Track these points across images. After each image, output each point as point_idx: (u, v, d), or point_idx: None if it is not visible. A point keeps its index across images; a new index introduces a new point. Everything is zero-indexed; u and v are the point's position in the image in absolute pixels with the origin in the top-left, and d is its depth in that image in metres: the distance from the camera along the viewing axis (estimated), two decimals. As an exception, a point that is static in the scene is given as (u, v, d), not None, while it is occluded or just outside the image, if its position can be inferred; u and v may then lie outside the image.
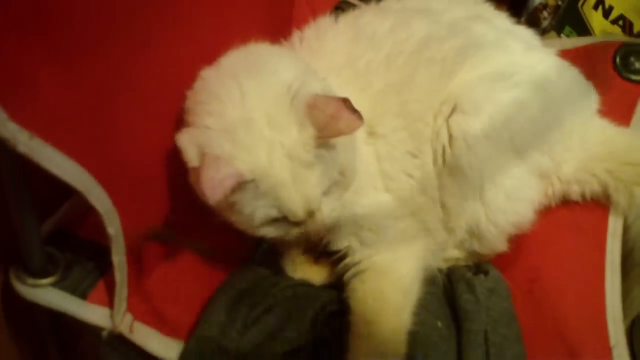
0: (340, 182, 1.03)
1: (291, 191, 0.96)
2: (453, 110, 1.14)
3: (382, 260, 1.14)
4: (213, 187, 0.89)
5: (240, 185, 0.93)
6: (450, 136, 1.13)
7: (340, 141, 0.98)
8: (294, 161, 0.95)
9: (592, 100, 1.30)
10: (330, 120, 0.93)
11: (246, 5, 1.30)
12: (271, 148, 0.94)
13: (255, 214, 0.98)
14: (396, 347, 1.07)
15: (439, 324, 1.11)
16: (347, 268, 1.16)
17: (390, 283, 1.12)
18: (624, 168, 1.23)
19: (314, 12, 1.33)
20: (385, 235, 1.16)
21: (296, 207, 0.98)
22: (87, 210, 0.93)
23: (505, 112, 1.13)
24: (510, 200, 1.16)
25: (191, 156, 0.95)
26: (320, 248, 1.19)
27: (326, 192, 1.01)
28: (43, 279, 1.01)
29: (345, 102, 0.94)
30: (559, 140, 1.21)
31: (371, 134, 1.15)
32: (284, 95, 0.97)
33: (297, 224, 1.01)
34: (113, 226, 0.95)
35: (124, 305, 1.02)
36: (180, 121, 1.03)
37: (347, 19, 1.27)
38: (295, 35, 1.27)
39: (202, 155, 0.93)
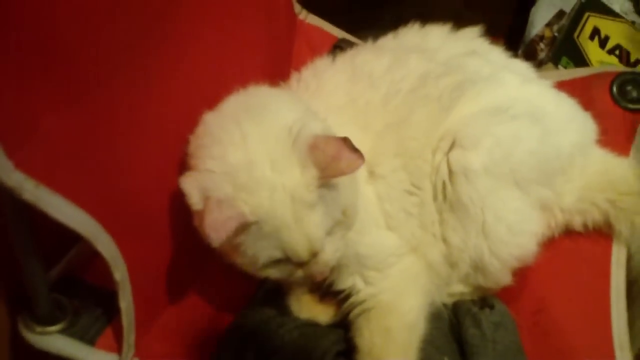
0: (342, 222, 1.03)
1: (294, 232, 0.96)
2: (452, 145, 1.14)
3: (386, 298, 1.14)
4: (216, 229, 0.90)
5: (243, 227, 0.94)
6: (450, 171, 1.14)
7: (341, 181, 0.99)
8: (296, 202, 0.95)
9: (590, 130, 1.30)
10: (332, 161, 0.93)
11: (246, 45, 1.32)
12: (273, 190, 0.95)
13: (258, 255, 0.98)
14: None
15: (446, 359, 1.11)
16: (352, 307, 1.16)
17: (396, 320, 1.13)
18: (625, 197, 1.24)
19: (313, 52, 1.34)
20: (389, 273, 1.16)
21: (299, 248, 0.98)
22: (94, 256, 0.94)
23: (504, 145, 1.14)
24: (512, 233, 1.16)
25: (195, 200, 0.96)
26: (324, 287, 1.19)
27: (329, 232, 1.01)
28: (51, 327, 1.02)
29: (346, 141, 0.94)
30: (560, 172, 1.22)
31: (371, 174, 1.16)
32: (286, 137, 0.97)
33: (300, 264, 1.02)
34: (119, 271, 0.95)
35: (131, 350, 1.03)
36: (183, 164, 1.04)
37: (344, 58, 1.28)
38: (294, 76, 1.28)
39: (206, 198, 0.94)
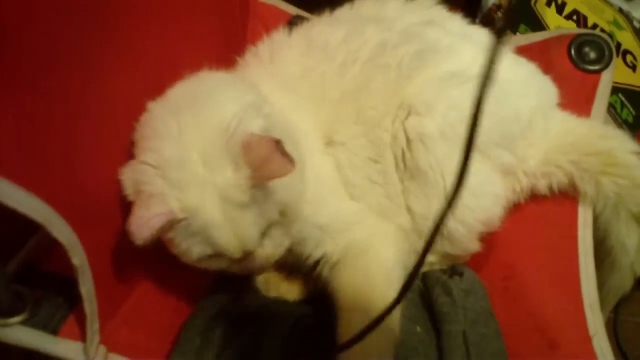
0: (280, 221, 1.03)
1: (224, 231, 0.96)
2: (408, 113, 1.14)
3: (361, 245, 1.13)
4: (140, 225, 0.91)
5: (172, 223, 0.94)
6: (408, 139, 1.14)
7: (279, 181, 0.97)
8: (227, 201, 0.95)
9: (551, 93, 1.30)
10: (263, 164, 0.92)
11: (199, 28, 1.30)
12: (204, 187, 0.94)
13: (191, 250, 0.99)
14: (390, 323, 1.06)
15: (418, 328, 1.11)
16: (323, 268, 1.15)
17: (373, 259, 1.12)
18: (588, 158, 1.24)
19: (268, 31, 1.32)
20: (358, 228, 1.15)
21: (230, 247, 0.98)
22: (54, 245, 0.91)
23: (458, 108, 1.12)
24: (475, 197, 1.16)
25: (129, 191, 0.97)
26: (289, 265, 1.19)
27: (267, 231, 1.01)
28: (12, 318, 0.99)
29: (278, 144, 0.92)
30: (521, 135, 1.21)
31: (330, 143, 1.15)
32: (221, 134, 0.96)
33: (237, 260, 1.01)
34: (78, 257, 0.93)
35: (96, 337, 1.00)
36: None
37: (300, 32, 1.28)
38: (249, 51, 1.27)
39: (138, 192, 0.95)
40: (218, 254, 0.99)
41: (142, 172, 0.97)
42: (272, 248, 1.04)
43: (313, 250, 1.14)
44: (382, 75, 1.16)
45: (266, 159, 0.92)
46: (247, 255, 1.01)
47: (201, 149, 0.96)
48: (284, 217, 1.03)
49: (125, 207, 1.03)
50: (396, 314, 1.07)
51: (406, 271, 1.15)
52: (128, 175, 0.97)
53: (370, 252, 1.12)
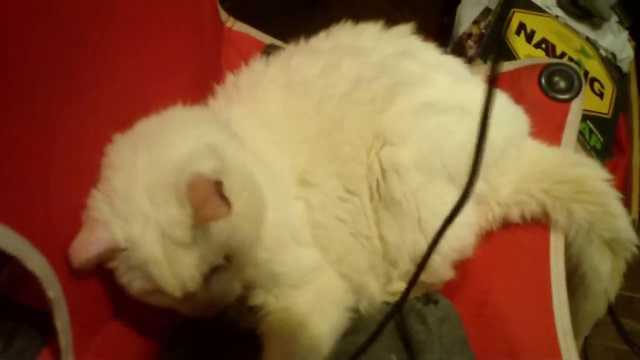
0: (226, 266, 1.02)
1: (163, 268, 0.96)
2: (383, 144, 1.15)
3: (298, 314, 1.13)
4: (79, 248, 0.93)
5: (112, 252, 0.95)
6: (382, 169, 1.14)
7: (224, 225, 0.96)
8: (168, 239, 0.94)
9: (522, 123, 1.32)
10: (201, 204, 0.92)
11: (173, 56, 1.31)
12: (147, 222, 0.95)
13: (132, 283, 0.99)
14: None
15: (393, 357, 1.10)
16: (262, 319, 1.13)
17: (307, 330, 1.11)
18: (559, 186, 1.25)
19: (243, 59, 1.33)
20: (305, 289, 1.15)
21: (169, 286, 0.97)
22: (26, 276, 0.90)
23: (432, 138, 1.14)
24: (450, 227, 1.15)
25: (83, 217, 0.98)
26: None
27: (212, 275, 1.00)
28: (-16, 351, 0.98)
29: (217, 186, 0.92)
30: (493, 164, 1.22)
31: (303, 183, 1.16)
32: (171, 172, 0.96)
33: (180, 299, 1.00)
34: (53, 290, 0.92)
35: (72, 369, 0.99)
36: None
37: (279, 61, 1.28)
38: (228, 81, 1.27)
39: (86, 217, 0.97)
40: (159, 291, 0.99)
41: (93, 198, 0.98)
42: (219, 292, 1.03)
43: (258, 296, 1.14)
44: (357, 110, 1.17)
45: (204, 200, 0.91)
46: (189, 296, 1.00)
47: (148, 184, 0.96)
48: (231, 262, 1.02)
49: None
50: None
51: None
52: (88, 202, 0.99)
53: (308, 322, 1.12)
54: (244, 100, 1.23)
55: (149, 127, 1.07)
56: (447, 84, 1.24)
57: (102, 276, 1.06)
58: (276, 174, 1.14)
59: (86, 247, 0.93)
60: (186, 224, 0.93)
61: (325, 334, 1.11)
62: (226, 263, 1.01)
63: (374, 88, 1.18)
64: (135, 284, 0.98)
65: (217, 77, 1.33)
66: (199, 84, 1.34)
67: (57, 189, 0.97)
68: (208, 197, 0.91)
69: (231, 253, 1.00)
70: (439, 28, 2.01)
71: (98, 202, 0.97)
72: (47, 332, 1.00)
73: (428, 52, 1.32)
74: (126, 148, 1.02)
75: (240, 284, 1.08)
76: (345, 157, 1.15)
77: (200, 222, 0.93)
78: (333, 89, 1.18)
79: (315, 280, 1.15)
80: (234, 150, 1.06)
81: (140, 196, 0.95)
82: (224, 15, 1.66)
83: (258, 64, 1.29)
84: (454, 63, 1.34)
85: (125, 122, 1.09)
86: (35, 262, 0.88)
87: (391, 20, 1.33)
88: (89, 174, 1.04)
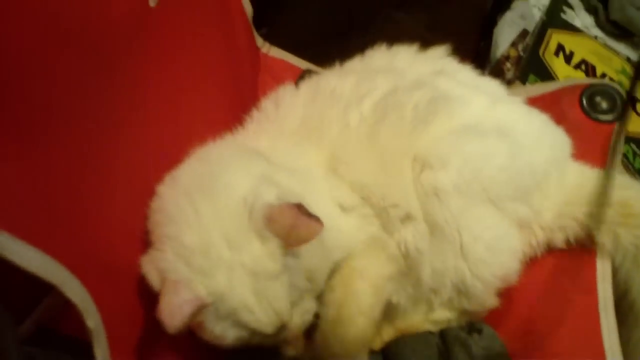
0: (308, 289, 1.02)
1: (256, 310, 0.95)
2: (422, 167, 1.13)
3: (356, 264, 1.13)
4: (171, 313, 0.90)
5: (200, 309, 0.93)
6: (424, 194, 1.12)
7: (305, 247, 0.97)
8: (258, 277, 0.94)
9: (564, 144, 1.29)
10: (291, 230, 0.92)
11: (210, 83, 1.31)
12: (231, 269, 0.94)
13: (224, 335, 0.97)
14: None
15: (436, 386, 1.08)
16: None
17: (363, 283, 1.11)
18: (605, 210, 1.21)
19: (279, 84, 1.33)
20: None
21: (263, 324, 0.97)
22: (67, 306, 0.90)
23: (473, 162, 1.13)
24: (492, 252, 1.14)
25: (154, 281, 0.96)
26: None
27: (296, 302, 1.00)
28: (24, 383, 0.97)
29: (300, 208, 0.93)
30: (536, 188, 1.20)
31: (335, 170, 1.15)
32: (240, 213, 0.96)
33: (271, 335, 1.00)
34: (92, 319, 0.91)
35: (112, 403, 0.98)
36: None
37: (308, 83, 1.28)
38: (259, 107, 1.28)
39: (162, 280, 0.94)
40: (252, 334, 0.98)
41: (164, 260, 0.96)
42: (300, 316, 1.03)
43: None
44: (397, 113, 1.15)
45: (293, 226, 0.92)
46: (281, 329, 1.00)
47: (222, 232, 0.95)
48: (311, 282, 1.02)
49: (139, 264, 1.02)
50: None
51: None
52: (150, 266, 0.97)
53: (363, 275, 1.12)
54: (272, 125, 1.23)
55: (194, 174, 1.07)
56: (485, 105, 1.23)
57: (141, 306, 1.06)
58: (311, 179, 1.14)
59: (177, 311, 0.90)
60: (277, 255, 0.94)
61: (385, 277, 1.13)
62: (309, 285, 1.01)
63: (414, 98, 1.17)
64: (227, 334, 0.97)
65: (253, 103, 1.32)
66: (235, 110, 1.34)
67: (95, 217, 0.96)
68: (296, 220, 0.92)
69: (310, 274, 1.01)
70: (475, 52, 1.99)
71: (172, 263, 0.95)
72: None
73: (465, 73, 1.31)
74: (182, 201, 1.00)
75: (315, 303, 1.07)
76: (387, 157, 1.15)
77: (295, 246, 0.95)
78: (365, 98, 1.18)
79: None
80: (280, 176, 1.06)
81: (218, 246, 0.95)
82: (259, 41, 1.66)
83: (287, 88, 1.29)
84: (491, 84, 1.32)
85: (164, 149, 1.10)
86: (74, 290, 0.88)
87: (427, 44, 1.32)
88: (127, 201, 1.03)
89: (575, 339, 1.17)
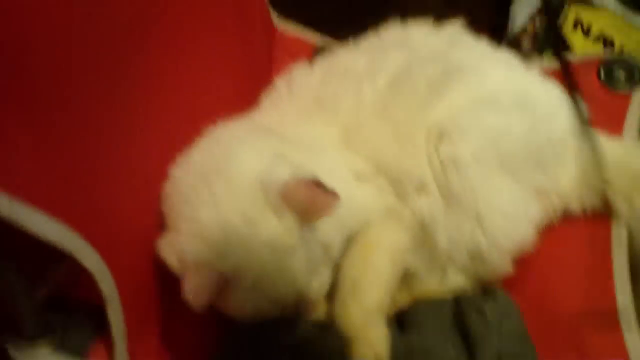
0: (325, 260, 1.03)
1: (277, 282, 0.96)
2: (440, 138, 1.13)
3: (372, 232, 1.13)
4: (196, 293, 0.91)
5: (223, 285, 0.94)
6: (441, 164, 1.13)
7: (321, 220, 0.98)
8: (277, 252, 0.95)
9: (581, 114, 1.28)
10: (308, 206, 0.93)
11: (225, 61, 1.31)
12: (250, 245, 0.94)
13: (246, 307, 0.99)
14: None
15: (451, 350, 1.08)
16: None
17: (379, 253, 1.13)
18: (622, 177, 1.22)
19: (295, 61, 1.33)
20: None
21: (284, 296, 0.98)
22: (82, 271, 0.91)
23: (492, 135, 1.13)
24: (508, 221, 1.14)
25: (173, 264, 0.96)
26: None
27: (313, 273, 1.01)
28: (41, 345, 0.98)
29: (316, 183, 0.94)
30: (553, 157, 1.20)
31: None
32: (256, 190, 0.97)
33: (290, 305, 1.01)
34: (106, 284, 0.93)
35: (125, 363, 1.00)
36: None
37: (321, 61, 1.29)
38: (274, 85, 1.29)
39: (182, 262, 0.95)
40: (272, 305, 0.99)
41: (182, 242, 0.97)
42: (318, 286, 1.04)
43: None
44: (412, 87, 1.16)
45: (309, 201, 0.93)
46: (299, 299, 1.01)
47: (239, 209, 0.96)
48: (328, 253, 1.03)
49: (154, 233, 1.03)
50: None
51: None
52: (168, 249, 0.98)
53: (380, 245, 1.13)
54: (285, 104, 1.24)
55: (208, 154, 1.07)
56: (502, 76, 1.23)
57: (155, 274, 1.07)
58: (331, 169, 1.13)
59: (202, 290, 0.92)
60: (294, 230, 0.95)
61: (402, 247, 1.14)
62: (324, 256, 1.02)
63: (428, 71, 1.17)
64: (248, 306, 0.99)
65: (268, 81, 1.33)
66: (250, 87, 1.34)
67: (109, 184, 0.97)
68: (312, 195, 0.93)
69: (329, 242, 1.02)
70: (492, 27, 1.98)
71: (190, 244, 0.96)
72: (101, 326, 1.00)
73: (481, 46, 1.31)
74: (196, 182, 1.01)
75: (330, 271, 1.08)
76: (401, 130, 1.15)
77: (312, 221, 0.96)
78: (378, 72, 1.18)
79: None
80: (294, 152, 1.07)
81: (235, 224, 0.95)
82: (274, 17, 1.66)
83: (301, 67, 1.30)
84: (508, 56, 1.32)
85: (180, 121, 1.11)
86: (88, 256, 0.89)
87: (444, 18, 1.32)
88: (142, 170, 1.04)
89: (590, 304, 1.17)
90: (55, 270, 1.05)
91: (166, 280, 1.01)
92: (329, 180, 0.98)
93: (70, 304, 1.03)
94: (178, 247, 0.96)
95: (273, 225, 0.95)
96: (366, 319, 1.07)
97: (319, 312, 1.16)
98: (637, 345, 1.09)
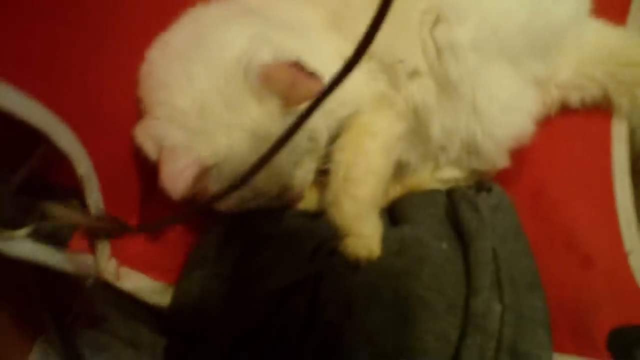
0: (310, 149, 1.00)
1: (261, 172, 0.91)
2: (436, 21, 1.07)
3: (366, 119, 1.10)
4: (174, 180, 0.88)
5: (203, 172, 0.91)
6: (437, 48, 1.07)
7: (305, 106, 0.92)
8: (258, 138, 0.92)
9: (583, 1, 1.22)
10: (289, 89, 0.90)
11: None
12: (230, 130, 0.92)
13: (228, 197, 0.94)
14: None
15: (444, 245, 1.05)
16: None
17: (373, 141, 1.09)
18: (624, 69, 1.17)
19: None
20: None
21: (267, 186, 0.96)
22: (61, 157, 0.88)
23: (492, 18, 1.07)
24: (506, 111, 1.11)
25: (150, 150, 0.93)
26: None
27: (297, 162, 0.99)
28: (17, 230, 0.94)
29: (298, 65, 0.90)
30: (553, 45, 1.15)
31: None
32: (235, 73, 0.93)
33: (275, 196, 0.99)
34: (83, 166, 0.90)
35: (107, 249, 0.96)
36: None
37: None
38: None
39: (159, 147, 0.92)
40: (255, 195, 0.97)
41: (158, 128, 0.94)
42: (302, 177, 1.02)
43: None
44: None
45: (291, 84, 0.89)
46: (284, 190, 0.99)
47: (218, 93, 0.93)
48: (313, 142, 1.01)
49: (133, 119, 1.00)
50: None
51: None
52: (145, 136, 0.95)
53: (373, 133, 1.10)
54: None
55: (185, 36, 1.02)
56: None
57: (137, 161, 1.03)
58: (320, 51, 1.08)
59: (179, 177, 0.89)
60: (276, 115, 0.92)
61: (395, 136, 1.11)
62: (311, 145, 1.00)
63: None
64: (231, 196, 0.94)
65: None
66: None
67: (87, 67, 0.93)
68: (295, 78, 0.90)
69: (315, 130, 1.00)
70: None
71: (168, 130, 0.93)
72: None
73: None
74: (173, 65, 0.97)
75: (316, 162, 1.06)
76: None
77: (295, 105, 0.91)
78: None
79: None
80: (277, 33, 1.02)
81: (214, 108, 0.92)
82: None
83: None
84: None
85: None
86: (65, 138, 0.86)
87: None
88: (120, 53, 1.00)
89: (586, 199, 1.15)
90: (35, 154, 1.02)
91: (147, 169, 0.98)
92: (314, 63, 0.94)
93: (49, 191, 0.99)
94: (154, 133, 0.93)
95: (253, 109, 0.92)
96: (359, 211, 1.05)
97: (310, 201, 1.13)
98: (636, 241, 1.07)
